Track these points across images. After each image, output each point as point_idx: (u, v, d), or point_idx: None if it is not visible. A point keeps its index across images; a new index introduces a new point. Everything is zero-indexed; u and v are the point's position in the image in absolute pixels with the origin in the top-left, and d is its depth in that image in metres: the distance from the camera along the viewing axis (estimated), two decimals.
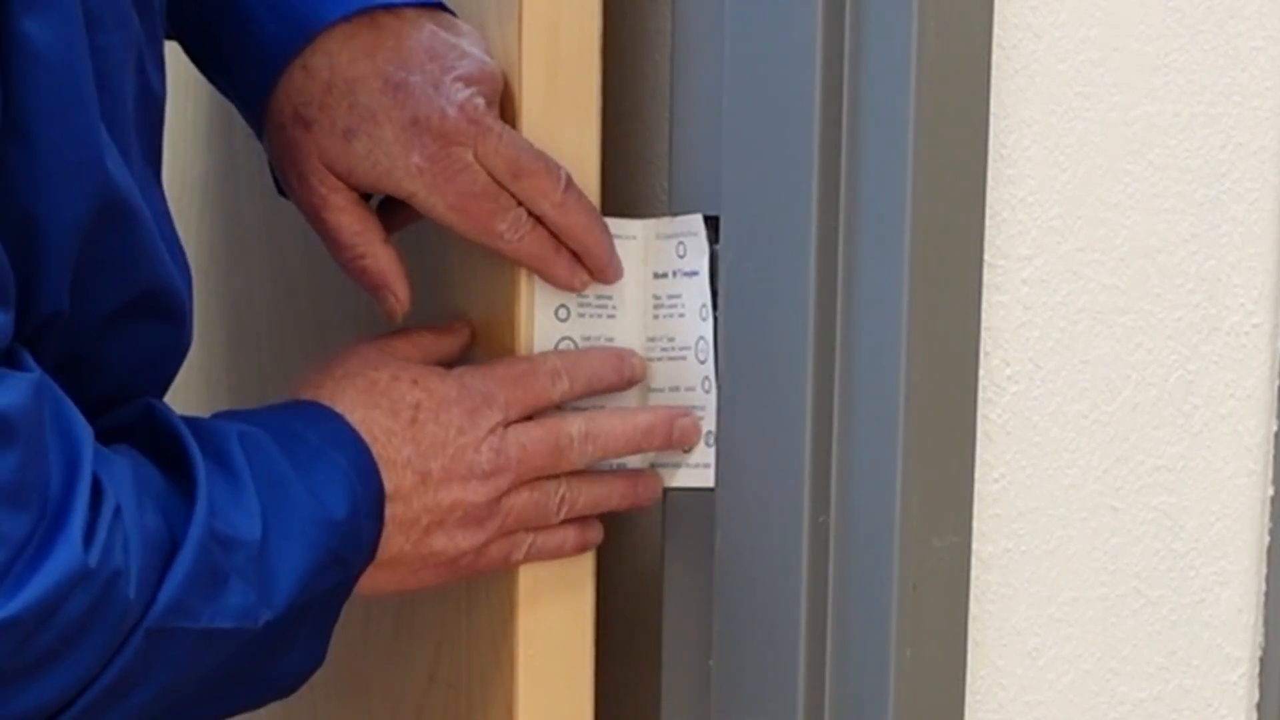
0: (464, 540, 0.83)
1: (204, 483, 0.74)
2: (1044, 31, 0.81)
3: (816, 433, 0.82)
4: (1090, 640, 0.88)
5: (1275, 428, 0.92)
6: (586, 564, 0.90)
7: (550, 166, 0.85)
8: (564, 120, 0.86)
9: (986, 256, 0.81)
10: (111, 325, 0.77)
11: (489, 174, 0.84)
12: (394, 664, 0.98)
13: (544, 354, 0.86)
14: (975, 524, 0.83)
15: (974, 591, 0.83)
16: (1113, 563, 0.89)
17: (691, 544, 0.89)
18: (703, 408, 0.87)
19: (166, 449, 0.76)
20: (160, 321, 0.80)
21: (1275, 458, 0.92)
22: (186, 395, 1.20)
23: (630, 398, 0.89)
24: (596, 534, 0.89)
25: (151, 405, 0.78)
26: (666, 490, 0.90)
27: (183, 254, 0.82)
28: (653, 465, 0.89)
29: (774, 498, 0.84)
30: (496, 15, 0.87)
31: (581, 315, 0.88)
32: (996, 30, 0.79)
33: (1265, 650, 0.94)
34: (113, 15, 0.74)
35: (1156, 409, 0.88)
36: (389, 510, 0.80)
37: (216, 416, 0.81)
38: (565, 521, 0.87)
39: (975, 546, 0.83)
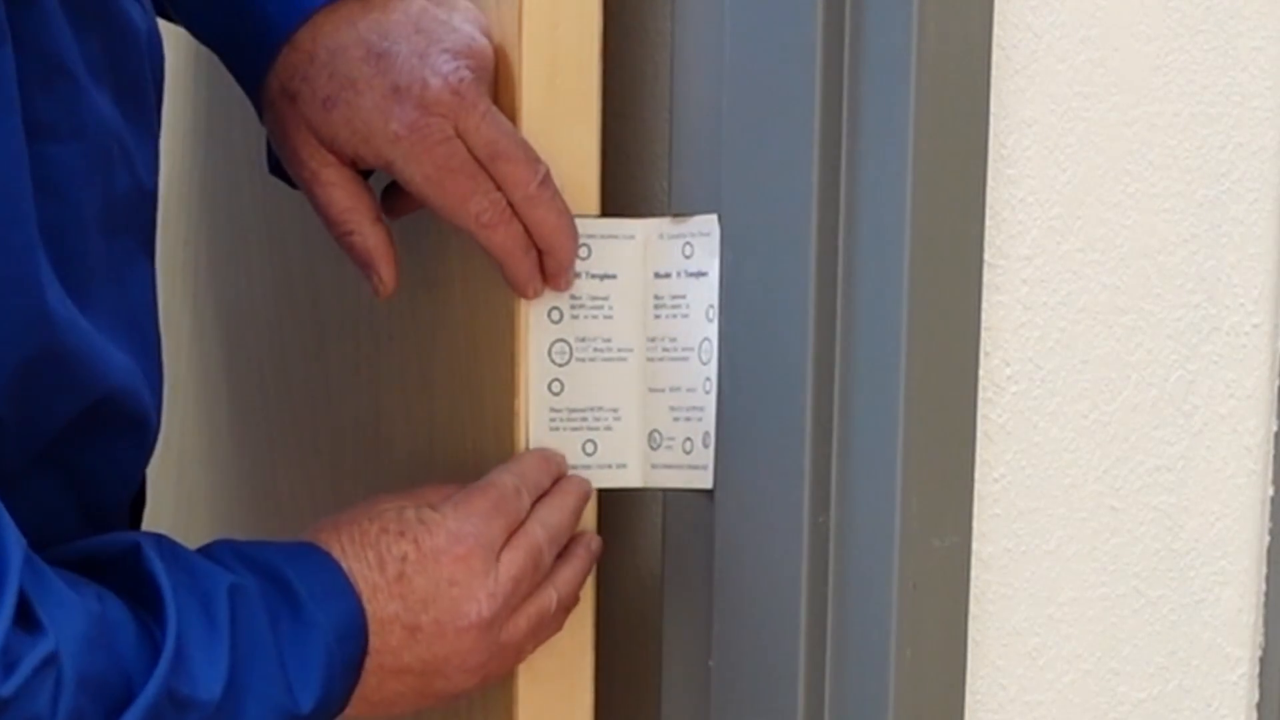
0: (465, 681, 0.82)
1: (171, 639, 0.71)
2: (1044, 31, 0.81)
3: (816, 433, 0.82)
4: (1090, 640, 0.88)
5: (1275, 428, 0.92)
6: None
7: (530, 156, 0.84)
8: (564, 120, 0.86)
9: (986, 256, 0.81)
10: (69, 433, 0.75)
11: (469, 152, 0.83)
12: None
13: (498, 473, 0.85)
14: (975, 524, 0.83)
15: (974, 591, 0.83)
16: (1113, 563, 0.88)
17: (691, 544, 0.89)
18: (702, 408, 0.87)
19: (144, 594, 0.73)
20: (123, 427, 0.78)
21: (1275, 458, 0.92)
22: (184, 396, 1.20)
23: (633, 402, 0.89)
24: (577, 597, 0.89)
25: (139, 546, 0.75)
26: (665, 491, 0.90)
27: (158, 346, 0.80)
28: (651, 466, 0.89)
29: (774, 498, 0.84)
30: (496, 14, 0.87)
31: (575, 317, 0.88)
32: (996, 30, 0.79)
33: (1265, 650, 0.94)
34: (69, 125, 0.72)
35: (1156, 409, 0.88)
36: (375, 661, 0.79)
37: (214, 553, 0.78)
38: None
39: (975, 546, 0.83)
